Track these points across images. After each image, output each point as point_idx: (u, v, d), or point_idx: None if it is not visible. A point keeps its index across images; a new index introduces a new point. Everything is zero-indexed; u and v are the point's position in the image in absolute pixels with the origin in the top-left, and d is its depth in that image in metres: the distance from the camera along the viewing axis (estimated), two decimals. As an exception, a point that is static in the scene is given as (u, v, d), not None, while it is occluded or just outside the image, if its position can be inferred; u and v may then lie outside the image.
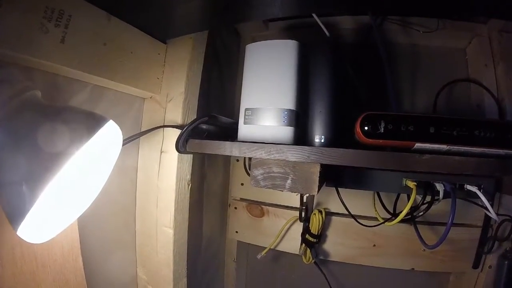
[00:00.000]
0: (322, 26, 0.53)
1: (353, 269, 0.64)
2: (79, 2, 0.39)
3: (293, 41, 0.48)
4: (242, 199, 0.70)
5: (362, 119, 0.40)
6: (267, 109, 0.46)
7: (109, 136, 0.33)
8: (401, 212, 0.47)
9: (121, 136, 0.36)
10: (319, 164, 0.40)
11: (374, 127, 0.39)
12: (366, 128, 0.39)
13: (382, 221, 0.56)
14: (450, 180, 0.52)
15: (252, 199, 0.69)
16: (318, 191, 0.41)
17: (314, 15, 0.53)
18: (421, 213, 0.50)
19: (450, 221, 0.47)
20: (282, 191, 0.42)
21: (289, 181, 0.42)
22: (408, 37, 0.66)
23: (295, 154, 0.39)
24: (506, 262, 0.65)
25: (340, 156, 0.38)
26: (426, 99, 0.64)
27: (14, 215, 0.25)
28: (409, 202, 0.46)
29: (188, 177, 0.52)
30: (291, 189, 0.41)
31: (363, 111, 0.41)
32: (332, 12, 0.59)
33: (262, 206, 0.68)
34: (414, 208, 0.50)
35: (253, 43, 0.50)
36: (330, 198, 0.63)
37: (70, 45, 0.37)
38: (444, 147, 0.40)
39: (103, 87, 0.47)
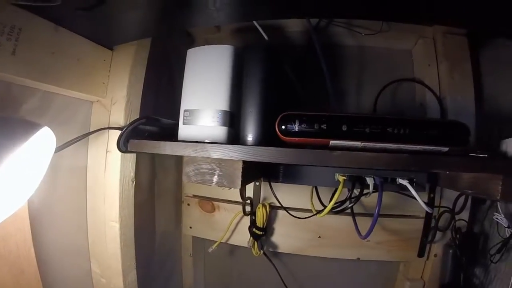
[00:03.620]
0: (261, 30, 0.56)
1: (302, 260, 0.68)
2: (28, 16, 0.42)
3: (228, 46, 0.50)
4: (194, 196, 0.73)
5: (280, 119, 0.42)
6: (203, 110, 0.49)
7: (43, 141, 0.35)
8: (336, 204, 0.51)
9: (54, 141, 0.38)
10: (242, 161, 0.43)
11: (290, 126, 0.42)
12: (283, 127, 0.42)
13: (315, 213, 0.59)
14: (383, 175, 0.55)
15: (203, 195, 0.72)
16: (242, 186, 0.44)
17: (255, 22, 0.56)
18: (351, 204, 0.53)
19: (376, 212, 0.50)
20: (211, 185, 0.45)
21: (216, 176, 0.45)
22: (355, 39, 0.69)
23: (217, 151, 0.42)
24: (450, 251, 0.68)
25: (260, 154, 0.41)
26: (372, 99, 0.67)
27: None
28: (336, 194, 0.49)
29: (132, 174, 0.55)
30: (218, 184, 0.44)
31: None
32: (273, 16, 0.61)
33: (213, 201, 0.71)
34: (344, 201, 0.53)
35: (192, 48, 0.53)
36: (276, 192, 0.66)
37: (21, 56, 0.41)
38: (358, 144, 0.43)
39: (53, 93, 0.50)
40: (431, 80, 0.67)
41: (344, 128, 0.42)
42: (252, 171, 0.49)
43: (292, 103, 0.61)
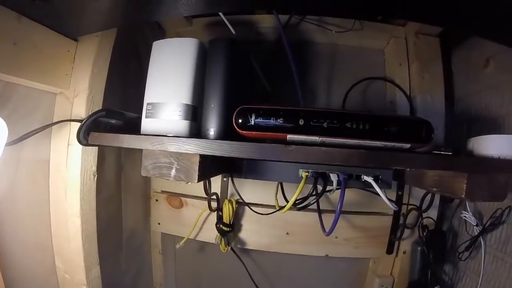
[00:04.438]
0: (228, 24, 0.55)
1: (271, 256, 0.68)
2: (-10, 4, 0.41)
3: (193, 39, 0.50)
4: (163, 191, 0.73)
5: (237, 113, 0.42)
6: (165, 103, 0.49)
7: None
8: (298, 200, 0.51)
9: (6, 132, 0.37)
10: (199, 155, 0.43)
11: (246, 120, 0.42)
12: (240, 120, 0.42)
13: (278, 208, 0.59)
14: (349, 171, 0.55)
15: (171, 191, 0.72)
16: (200, 180, 0.43)
17: (221, 14, 0.55)
18: (314, 201, 0.53)
19: (338, 208, 0.50)
20: (168, 179, 0.44)
21: (173, 170, 0.44)
22: (327, 37, 0.69)
23: (173, 145, 0.42)
24: (419, 248, 0.69)
25: (215, 148, 0.41)
26: (342, 97, 0.68)
27: None
28: (297, 190, 0.49)
29: (94, 168, 0.54)
30: (175, 178, 0.44)
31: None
32: (239, 7, 0.61)
33: (181, 197, 0.70)
34: (307, 197, 0.53)
35: (158, 41, 0.52)
36: (244, 188, 0.66)
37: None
38: (316, 138, 0.43)
39: (14, 84, 0.48)
40: (401, 79, 0.68)
41: (301, 122, 0.42)
42: (212, 166, 0.48)
43: (261, 100, 0.61)
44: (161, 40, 0.52)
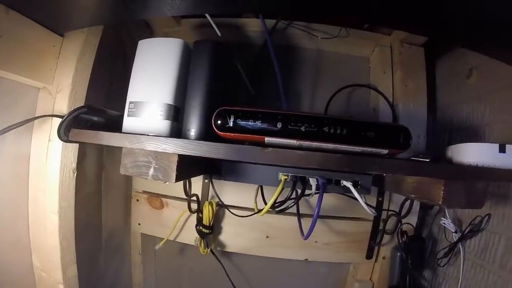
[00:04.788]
0: (214, 26, 0.56)
1: (251, 259, 0.68)
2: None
3: (178, 39, 0.51)
4: (144, 192, 0.72)
5: (216, 114, 0.42)
6: (148, 102, 0.49)
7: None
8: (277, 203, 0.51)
9: None
10: (177, 155, 0.43)
11: (225, 121, 0.42)
12: (218, 122, 0.42)
13: (256, 211, 0.59)
14: (327, 176, 0.56)
15: (152, 191, 0.71)
16: (177, 180, 0.43)
17: (207, 15, 0.56)
18: (292, 204, 0.53)
19: (316, 213, 0.51)
20: (147, 178, 0.44)
21: (151, 169, 0.44)
22: (314, 43, 0.70)
23: (151, 144, 0.42)
24: (398, 254, 0.70)
25: (193, 148, 0.41)
26: (327, 101, 0.69)
27: None
28: (275, 193, 0.49)
29: (74, 165, 0.54)
30: (153, 177, 0.44)
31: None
32: (224, 10, 0.61)
33: (162, 198, 0.70)
34: (285, 201, 0.53)
35: (144, 40, 0.53)
36: (225, 191, 0.66)
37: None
38: (294, 142, 0.43)
39: None
40: (385, 87, 0.69)
41: (279, 125, 0.42)
42: (191, 166, 0.49)
43: (245, 103, 0.62)
44: (147, 39, 0.52)
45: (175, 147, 0.41)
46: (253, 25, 0.68)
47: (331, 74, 0.70)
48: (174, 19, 0.68)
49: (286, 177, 0.52)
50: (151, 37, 0.73)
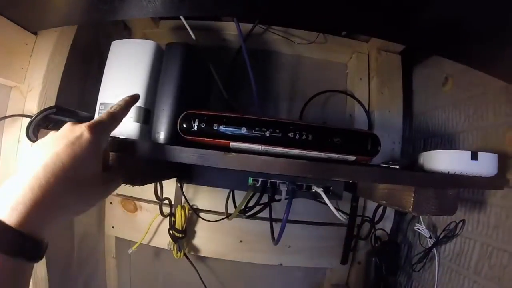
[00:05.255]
0: (189, 29, 0.56)
1: (226, 264, 0.67)
2: None
3: (150, 41, 0.51)
4: (118, 194, 0.71)
5: (181, 117, 0.43)
6: (118, 104, 0.49)
7: None
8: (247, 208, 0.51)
9: None
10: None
11: (190, 125, 0.42)
12: (184, 125, 0.42)
13: (226, 216, 0.59)
14: (297, 181, 0.56)
15: (126, 194, 0.70)
16: (142, 183, 0.43)
17: (182, 18, 0.56)
18: (260, 209, 0.53)
19: (284, 218, 0.51)
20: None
21: (116, 172, 0.44)
22: (291, 48, 0.70)
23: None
24: (373, 259, 0.71)
25: (156, 151, 0.41)
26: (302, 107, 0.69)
27: None
28: (243, 198, 0.49)
29: (43, 166, 0.53)
30: (118, 180, 0.44)
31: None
32: (201, 12, 0.61)
33: (135, 201, 0.69)
34: (254, 206, 0.53)
35: (117, 41, 0.53)
36: (199, 195, 0.66)
37: None
38: (259, 147, 0.43)
39: None
40: (361, 94, 0.70)
41: (243, 130, 0.42)
42: (157, 170, 0.48)
43: (220, 107, 0.62)
44: (119, 40, 0.53)
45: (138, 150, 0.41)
46: (231, 29, 0.68)
47: (309, 80, 0.71)
48: (153, 21, 0.68)
49: (256, 182, 0.52)
50: (129, 38, 0.73)
